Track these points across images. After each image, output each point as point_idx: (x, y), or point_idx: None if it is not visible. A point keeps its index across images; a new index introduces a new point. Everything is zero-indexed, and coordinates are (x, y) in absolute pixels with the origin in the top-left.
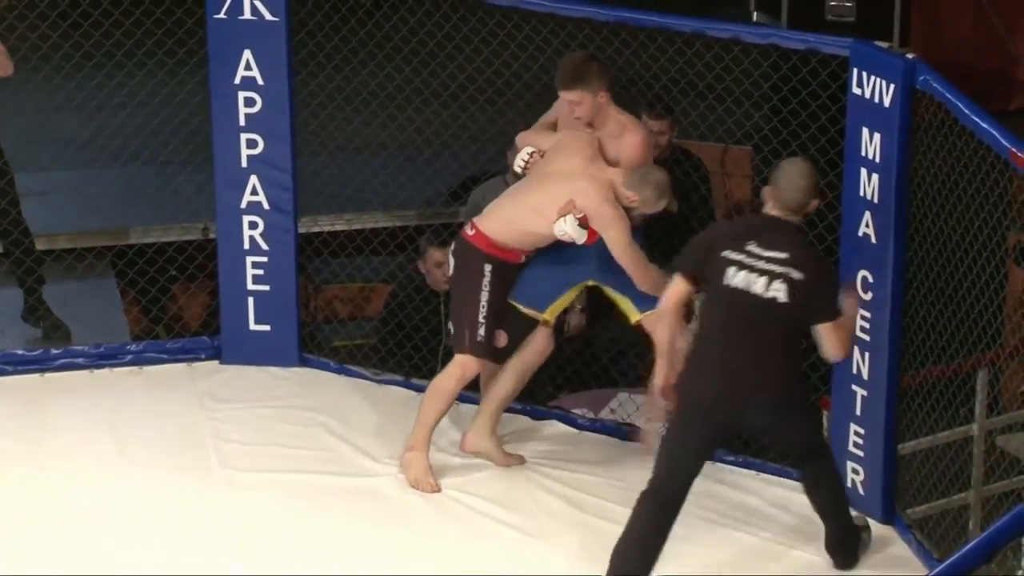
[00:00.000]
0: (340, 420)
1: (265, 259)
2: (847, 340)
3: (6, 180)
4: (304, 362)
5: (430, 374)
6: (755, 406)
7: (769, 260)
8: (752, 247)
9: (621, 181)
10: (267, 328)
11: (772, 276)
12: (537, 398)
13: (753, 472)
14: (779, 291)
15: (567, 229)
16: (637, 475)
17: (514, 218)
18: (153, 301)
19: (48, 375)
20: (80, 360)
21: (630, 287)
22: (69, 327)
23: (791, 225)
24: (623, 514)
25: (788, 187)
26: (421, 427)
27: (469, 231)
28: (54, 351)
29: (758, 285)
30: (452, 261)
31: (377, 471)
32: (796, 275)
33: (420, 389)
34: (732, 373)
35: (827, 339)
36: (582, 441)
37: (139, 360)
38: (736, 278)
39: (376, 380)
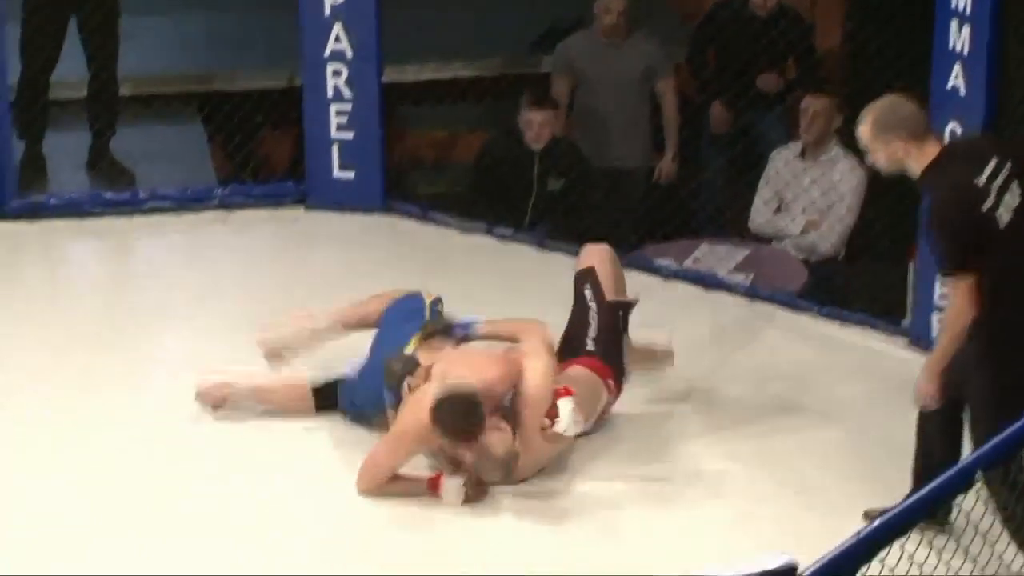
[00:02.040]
0: (424, 266)
1: (349, 107)
2: None
3: (112, 20)
4: (388, 208)
5: (516, 225)
6: None
7: (994, 174)
8: (982, 177)
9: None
10: (351, 175)
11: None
12: (621, 248)
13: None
14: None
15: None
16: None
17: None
18: (239, 146)
19: (135, 217)
20: (167, 203)
21: None
22: (135, 173)
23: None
24: None
25: (909, 121)
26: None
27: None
28: (142, 194)
29: (1015, 198)
30: None
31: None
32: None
33: (503, 237)
34: None
35: None
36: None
37: (225, 203)
38: (1002, 215)
39: (460, 228)
